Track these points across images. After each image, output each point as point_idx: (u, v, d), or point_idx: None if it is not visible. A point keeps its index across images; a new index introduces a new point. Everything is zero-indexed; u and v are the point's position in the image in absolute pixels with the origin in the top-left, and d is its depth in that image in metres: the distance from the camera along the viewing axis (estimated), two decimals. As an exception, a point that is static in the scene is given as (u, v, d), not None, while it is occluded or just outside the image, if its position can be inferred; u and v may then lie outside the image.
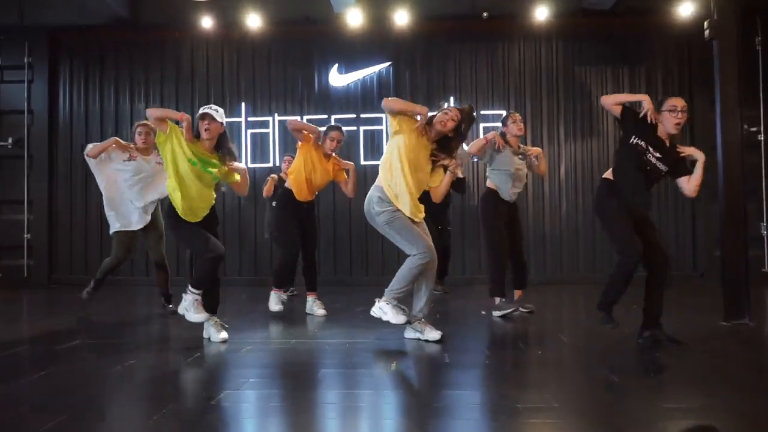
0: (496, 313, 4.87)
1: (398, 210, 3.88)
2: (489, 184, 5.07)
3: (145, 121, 5.18)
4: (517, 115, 5.19)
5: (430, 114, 3.97)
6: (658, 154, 3.65)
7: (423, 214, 4.02)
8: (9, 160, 8.04)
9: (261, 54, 7.94)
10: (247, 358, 3.49)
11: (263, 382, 3.03)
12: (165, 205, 4.06)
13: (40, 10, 8.10)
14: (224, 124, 3.90)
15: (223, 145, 3.90)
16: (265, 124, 7.90)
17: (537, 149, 5.21)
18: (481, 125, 7.77)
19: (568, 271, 7.66)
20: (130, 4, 7.98)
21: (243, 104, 7.92)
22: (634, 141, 3.65)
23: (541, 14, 7.45)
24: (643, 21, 7.59)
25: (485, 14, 7.58)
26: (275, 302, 5.15)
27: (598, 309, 3.77)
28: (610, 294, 3.71)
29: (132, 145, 5.11)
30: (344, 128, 7.60)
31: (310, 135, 5.01)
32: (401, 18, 7.53)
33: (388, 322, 3.89)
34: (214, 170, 3.88)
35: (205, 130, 3.78)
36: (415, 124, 3.86)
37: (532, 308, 5.07)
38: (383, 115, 7.76)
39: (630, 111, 3.72)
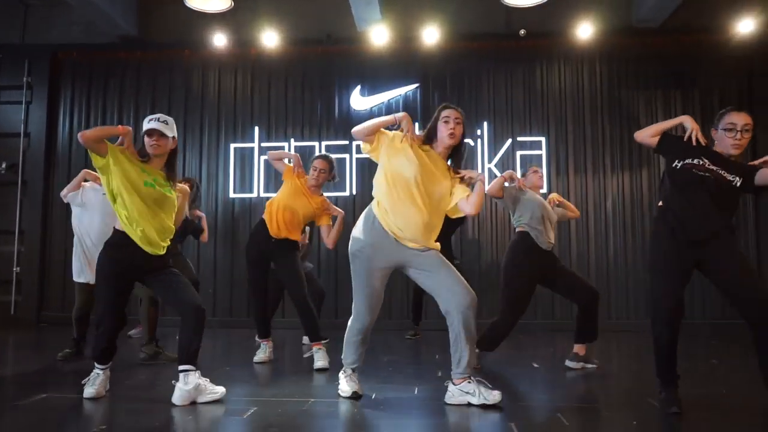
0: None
1: (372, 255, 3.02)
2: (520, 228, 4.22)
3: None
4: (539, 168, 4.59)
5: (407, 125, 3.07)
6: (718, 166, 2.85)
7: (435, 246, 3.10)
8: (1, 187, 7.39)
9: (277, 74, 7.32)
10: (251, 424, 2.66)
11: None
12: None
13: (44, 28, 7.63)
14: (176, 139, 3.21)
15: (172, 165, 3.22)
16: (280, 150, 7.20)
17: (554, 195, 4.50)
18: (518, 153, 7.04)
19: (618, 318, 6.77)
20: (138, 23, 7.46)
21: (256, 128, 7.26)
22: (679, 164, 2.88)
23: (584, 32, 6.80)
24: (697, 39, 6.90)
25: (522, 32, 6.93)
26: (260, 352, 4.35)
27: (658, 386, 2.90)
28: (658, 367, 2.87)
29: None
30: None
31: (289, 165, 4.30)
32: (430, 36, 6.91)
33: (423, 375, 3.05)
34: (167, 187, 3.15)
35: (152, 146, 3.08)
36: (399, 138, 3.03)
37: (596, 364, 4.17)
38: (409, 142, 7.09)
39: (669, 136, 2.98)
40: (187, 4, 6.01)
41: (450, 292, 2.96)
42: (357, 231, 3.09)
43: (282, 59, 7.24)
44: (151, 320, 4.38)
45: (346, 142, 7.16)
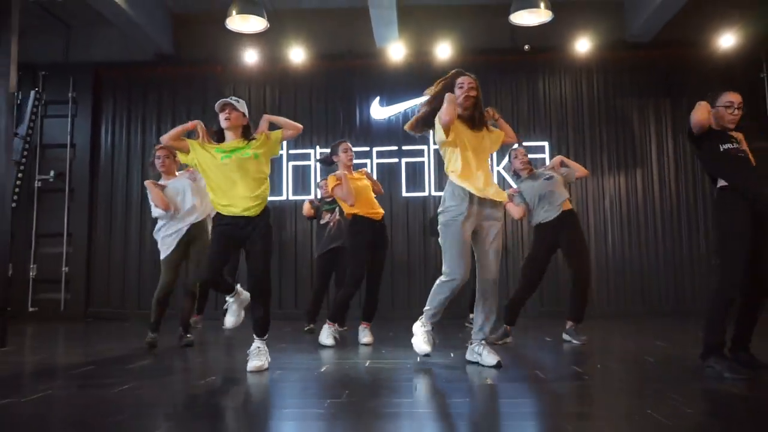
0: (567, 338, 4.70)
1: (462, 216, 3.49)
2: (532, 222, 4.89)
3: (162, 145, 5.03)
4: (520, 149, 5.07)
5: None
6: (736, 143, 3.37)
7: (497, 195, 3.59)
8: (50, 194, 8.03)
9: (303, 87, 8.01)
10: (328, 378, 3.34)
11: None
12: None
13: (85, 47, 8.28)
14: (247, 116, 3.65)
15: (249, 135, 3.64)
16: (306, 157, 7.90)
17: (557, 158, 5.07)
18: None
19: (617, 306, 7.47)
20: (174, 41, 8.14)
21: (284, 144, 7.93)
22: (724, 147, 3.33)
23: (583, 47, 7.52)
24: (685, 53, 7.63)
25: (527, 47, 7.65)
26: (327, 335, 4.77)
27: (702, 358, 3.24)
28: (713, 329, 3.21)
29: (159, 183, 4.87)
30: (386, 160, 7.83)
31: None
32: (443, 51, 7.61)
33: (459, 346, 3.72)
34: (251, 151, 3.55)
35: (225, 119, 3.54)
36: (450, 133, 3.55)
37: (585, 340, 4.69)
38: (424, 147, 7.80)
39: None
40: (228, 27, 6.69)
41: (483, 265, 3.61)
42: (445, 204, 3.61)
43: (307, 73, 7.93)
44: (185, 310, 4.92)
45: (367, 148, 7.84)
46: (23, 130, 7.35)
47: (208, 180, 3.61)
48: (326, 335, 4.73)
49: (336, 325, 4.89)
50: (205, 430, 2.33)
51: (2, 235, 4.83)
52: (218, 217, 3.62)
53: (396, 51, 7.62)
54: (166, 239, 4.77)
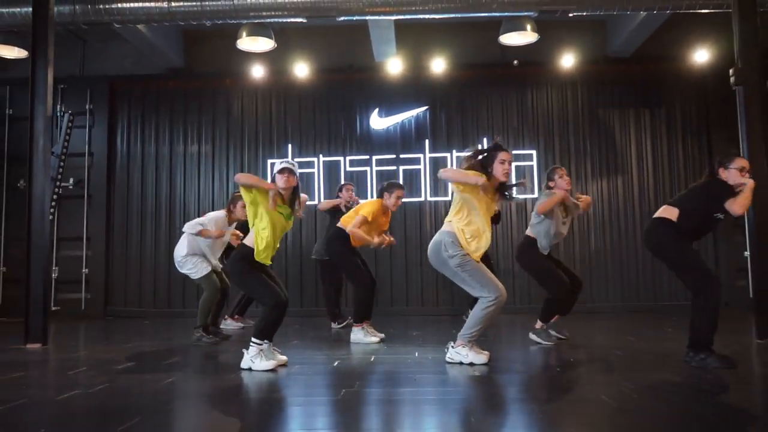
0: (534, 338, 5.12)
1: (468, 254, 3.99)
2: (529, 232, 5.13)
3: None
4: (563, 169, 5.19)
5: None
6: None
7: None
8: (70, 200, 8.58)
9: (306, 99, 8.56)
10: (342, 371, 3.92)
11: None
12: (235, 252, 4.33)
13: (100, 61, 8.80)
14: (298, 177, 4.19)
15: (296, 196, 4.19)
16: (310, 165, 8.44)
17: (587, 198, 5.22)
18: (513, 164, 8.29)
19: (599, 302, 8.07)
20: (186, 56, 8.67)
21: (289, 146, 8.49)
22: (718, 216, 3.83)
23: (567, 62, 8.07)
24: (663, 67, 8.21)
25: (516, 62, 8.21)
26: (364, 335, 5.29)
27: (691, 349, 3.79)
28: (707, 330, 3.74)
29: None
30: (384, 168, 8.39)
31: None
32: (438, 66, 8.16)
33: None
34: (289, 214, 4.18)
35: (286, 180, 4.07)
36: (478, 189, 3.95)
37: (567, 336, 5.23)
38: (421, 155, 8.37)
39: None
40: (239, 47, 7.23)
41: None
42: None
43: (311, 86, 8.47)
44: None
45: (367, 157, 8.41)
46: (58, 149, 7.89)
47: (268, 217, 4.09)
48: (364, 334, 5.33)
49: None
50: (244, 415, 2.91)
51: (43, 243, 5.38)
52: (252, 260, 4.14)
53: (394, 65, 8.17)
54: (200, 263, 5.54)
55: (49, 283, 5.67)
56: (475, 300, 4.13)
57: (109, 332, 6.79)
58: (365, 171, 8.37)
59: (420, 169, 8.38)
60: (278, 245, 4.22)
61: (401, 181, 8.27)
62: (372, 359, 4.34)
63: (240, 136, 8.61)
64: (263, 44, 7.27)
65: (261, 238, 4.08)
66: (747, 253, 8.06)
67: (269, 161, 8.51)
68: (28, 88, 6.46)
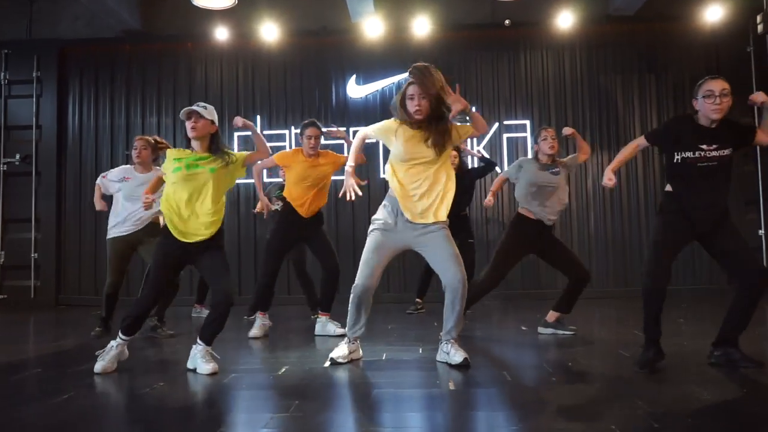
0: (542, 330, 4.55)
1: (383, 227, 3.44)
2: (520, 209, 4.57)
3: (142, 136, 4.94)
4: (550, 129, 4.61)
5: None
6: (715, 145, 3.16)
7: (438, 219, 3.39)
8: (16, 177, 7.78)
9: (276, 65, 7.73)
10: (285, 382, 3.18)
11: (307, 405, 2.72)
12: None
13: (49, 23, 7.95)
14: (216, 123, 3.43)
15: (217, 146, 3.40)
16: (281, 138, 7.63)
17: (567, 129, 4.58)
18: (504, 135, 7.54)
19: (598, 287, 7.34)
20: (142, 16, 7.81)
21: (258, 117, 7.68)
22: (679, 157, 3.21)
23: (565, 21, 7.26)
24: (670, 27, 7.39)
25: (507, 22, 7.39)
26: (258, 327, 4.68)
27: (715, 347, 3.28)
28: (645, 324, 3.25)
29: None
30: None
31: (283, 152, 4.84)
32: (421, 27, 7.34)
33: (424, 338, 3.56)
34: (209, 165, 3.34)
35: (191, 128, 3.31)
36: (389, 127, 3.44)
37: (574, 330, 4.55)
38: (403, 127, 7.57)
39: (656, 133, 3.42)
40: (194, 3, 6.39)
41: (448, 272, 3.38)
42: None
43: (281, 51, 7.64)
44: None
45: (343, 128, 7.58)
46: None
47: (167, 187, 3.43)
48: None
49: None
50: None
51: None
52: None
53: (372, 27, 7.34)
54: None
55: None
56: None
57: (43, 325, 6.05)
58: (341, 144, 7.55)
59: (402, 142, 7.58)
60: (203, 218, 3.32)
61: (381, 156, 7.53)
62: (328, 364, 3.58)
63: (203, 107, 7.78)
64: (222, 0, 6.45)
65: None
66: (762, 232, 7.42)
67: (236, 134, 7.70)
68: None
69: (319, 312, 4.81)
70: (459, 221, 5.91)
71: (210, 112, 3.40)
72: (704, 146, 3.17)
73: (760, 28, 4.24)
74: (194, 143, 3.40)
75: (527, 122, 7.54)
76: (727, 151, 3.20)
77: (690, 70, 7.47)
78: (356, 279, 3.49)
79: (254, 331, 4.65)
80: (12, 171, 7.74)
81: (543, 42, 7.59)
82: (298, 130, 4.82)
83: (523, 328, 4.90)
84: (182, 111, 3.37)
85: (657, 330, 3.23)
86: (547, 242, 4.54)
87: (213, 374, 3.24)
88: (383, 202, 3.54)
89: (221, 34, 7.47)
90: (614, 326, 5.16)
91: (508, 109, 7.60)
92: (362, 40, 7.50)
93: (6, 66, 7.84)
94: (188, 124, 3.33)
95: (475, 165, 6.51)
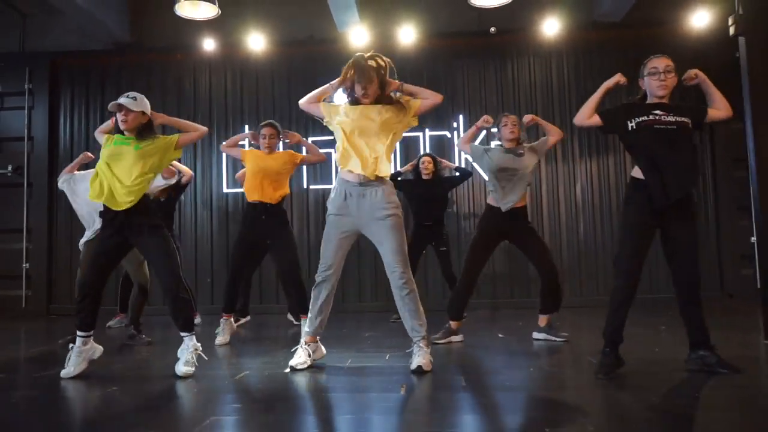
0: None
1: (336, 212, 3.44)
2: (487, 199, 4.55)
3: None
4: (511, 116, 4.59)
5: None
6: (669, 113, 3.10)
7: (379, 172, 3.36)
8: (8, 189, 7.86)
9: (264, 74, 7.78)
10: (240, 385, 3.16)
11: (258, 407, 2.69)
12: None
13: (41, 36, 8.05)
14: (148, 115, 3.53)
15: (146, 134, 3.50)
16: (269, 147, 7.65)
17: (528, 117, 4.60)
18: (492, 143, 7.48)
19: (588, 295, 7.27)
20: (131, 28, 7.89)
21: (246, 126, 7.71)
22: (633, 124, 3.12)
23: (551, 28, 7.24)
24: (657, 32, 7.33)
25: (493, 29, 7.38)
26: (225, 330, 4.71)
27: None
28: (607, 325, 3.19)
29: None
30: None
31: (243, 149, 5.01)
32: (407, 35, 7.35)
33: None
34: (133, 143, 3.44)
35: (122, 121, 3.42)
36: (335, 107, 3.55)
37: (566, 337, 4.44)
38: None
39: (608, 110, 3.31)
40: (177, 13, 6.43)
41: (389, 269, 3.39)
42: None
43: (268, 60, 7.68)
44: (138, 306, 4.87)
45: (331, 138, 7.57)
46: None
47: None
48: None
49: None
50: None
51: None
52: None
53: (358, 36, 7.36)
54: None
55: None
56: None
57: (29, 333, 6.07)
58: (329, 153, 7.55)
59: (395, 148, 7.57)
60: (125, 194, 3.39)
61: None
62: (287, 371, 3.55)
63: (192, 116, 7.79)
64: (206, 10, 6.45)
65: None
66: (754, 239, 7.30)
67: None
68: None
69: (301, 316, 4.78)
70: (434, 228, 5.90)
71: (139, 104, 3.47)
72: (658, 111, 3.12)
73: (732, 30, 4.17)
74: (127, 134, 3.50)
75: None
76: (685, 119, 3.12)
77: (679, 76, 7.38)
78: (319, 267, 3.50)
79: (219, 338, 4.66)
80: (4, 182, 7.82)
81: (529, 49, 7.57)
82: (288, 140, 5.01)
83: (500, 335, 4.85)
84: (110, 104, 3.47)
85: (620, 334, 3.16)
86: (520, 230, 4.45)
87: (185, 377, 3.26)
88: (333, 186, 3.55)
89: (208, 44, 7.52)
90: (595, 334, 5.07)
91: (495, 116, 7.54)
92: (348, 49, 7.51)
93: (-1, 79, 7.96)
94: (119, 116, 3.44)
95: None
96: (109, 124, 3.76)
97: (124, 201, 3.40)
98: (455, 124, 7.58)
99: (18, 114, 7.91)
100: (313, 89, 7.88)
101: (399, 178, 6.17)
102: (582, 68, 7.56)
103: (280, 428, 2.38)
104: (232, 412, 2.58)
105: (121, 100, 3.44)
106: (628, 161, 7.41)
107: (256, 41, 7.47)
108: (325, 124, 3.62)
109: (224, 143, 5.01)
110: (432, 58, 7.59)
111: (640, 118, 3.12)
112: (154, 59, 7.89)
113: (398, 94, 3.48)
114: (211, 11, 6.49)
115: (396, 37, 7.39)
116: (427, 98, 3.48)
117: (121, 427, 2.47)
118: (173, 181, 5.21)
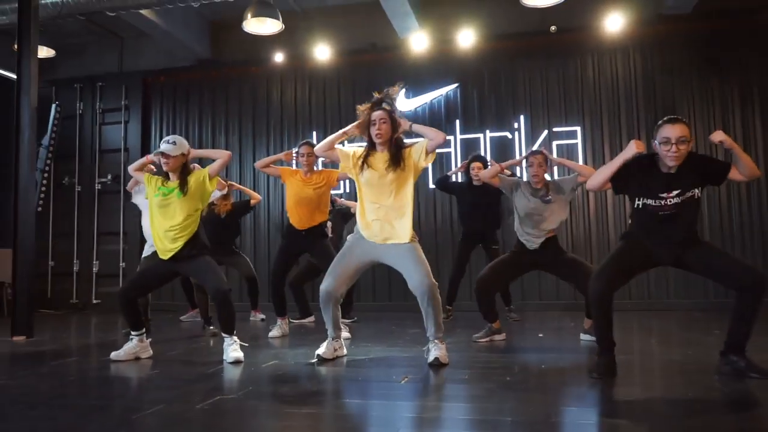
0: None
1: (355, 243, 3.64)
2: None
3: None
4: (538, 156, 4.37)
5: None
6: (675, 191, 3.00)
7: (393, 238, 3.53)
8: (108, 196, 8.74)
9: (330, 83, 8.15)
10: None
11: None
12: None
13: (135, 57, 8.90)
14: (186, 154, 3.81)
15: (183, 174, 3.80)
16: (335, 152, 8.01)
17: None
18: (554, 143, 7.43)
19: (623, 299, 7.01)
20: (211, 47, 8.55)
21: (314, 132, 8.11)
22: (640, 203, 3.08)
23: (615, 24, 7.05)
24: (732, 23, 6.95)
25: (553, 28, 7.29)
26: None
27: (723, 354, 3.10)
28: (600, 330, 3.16)
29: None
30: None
31: (283, 167, 5.13)
32: (466, 38, 7.44)
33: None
34: (175, 190, 3.76)
35: (164, 164, 3.76)
36: (351, 155, 3.64)
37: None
38: (451, 137, 7.67)
39: (619, 179, 3.12)
40: (245, 29, 6.93)
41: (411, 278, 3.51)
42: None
43: (334, 69, 8.05)
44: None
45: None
46: (47, 140, 8.04)
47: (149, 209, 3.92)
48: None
49: None
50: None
51: (28, 234, 5.37)
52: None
53: (418, 41, 7.55)
54: None
55: (34, 273, 5.67)
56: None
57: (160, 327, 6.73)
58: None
59: (450, 152, 7.70)
60: (174, 234, 3.75)
61: (429, 167, 7.63)
62: (314, 360, 3.79)
63: (266, 124, 8.38)
64: (271, 26, 6.92)
65: None
66: None
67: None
68: (74, 87, 6.69)
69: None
70: (485, 236, 5.85)
71: (179, 147, 3.77)
72: (664, 194, 3.03)
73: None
74: (171, 175, 3.84)
75: (578, 129, 7.38)
76: (690, 194, 3.03)
77: (759, 71, 6.96)
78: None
79: (271, 332, 5.04)
80: (104, 190, 8.72)
81: (592, 46, 7.41)
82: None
83: (540, 335, 4.85)
84: (154, 153, 3.85)
85: (611, 336, 3.13)
86: (550, 261, 4.40)
87: (236, 362, 3.64)
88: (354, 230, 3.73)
89: (279, 57, 8.01)
90: (631, 335, 4.95)
91: (558, 116, 7.48)
92: (410, 55, 7.73)
93: (101, 97, 8.87)
94: (162, 161, 3.76)
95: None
96: (143, 161, 4.08)
97: (168, 248, 3.77)
98: (516, 125, 7.56)
99: (116, 128, 8.79)
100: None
101: (449, 181, 6.23)
102: (650, 65, 7.28)
103: (300, 401, 2.63)
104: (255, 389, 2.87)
105: (163, 147, 3.74)
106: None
107: (322, 52, 7.85)
108: (342, 169, 3.81)
109: (258, 163, 5.08)
110: (492, 59, 7.63)
111: (648, 200, 3.07)
112: (231, 73, 8.50)
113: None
114: (275, 26, 6.95)
115: (455, 41, 7.50)
116: (432, 139, 3.53)
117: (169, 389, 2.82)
118: (226, 191, 5.63)
